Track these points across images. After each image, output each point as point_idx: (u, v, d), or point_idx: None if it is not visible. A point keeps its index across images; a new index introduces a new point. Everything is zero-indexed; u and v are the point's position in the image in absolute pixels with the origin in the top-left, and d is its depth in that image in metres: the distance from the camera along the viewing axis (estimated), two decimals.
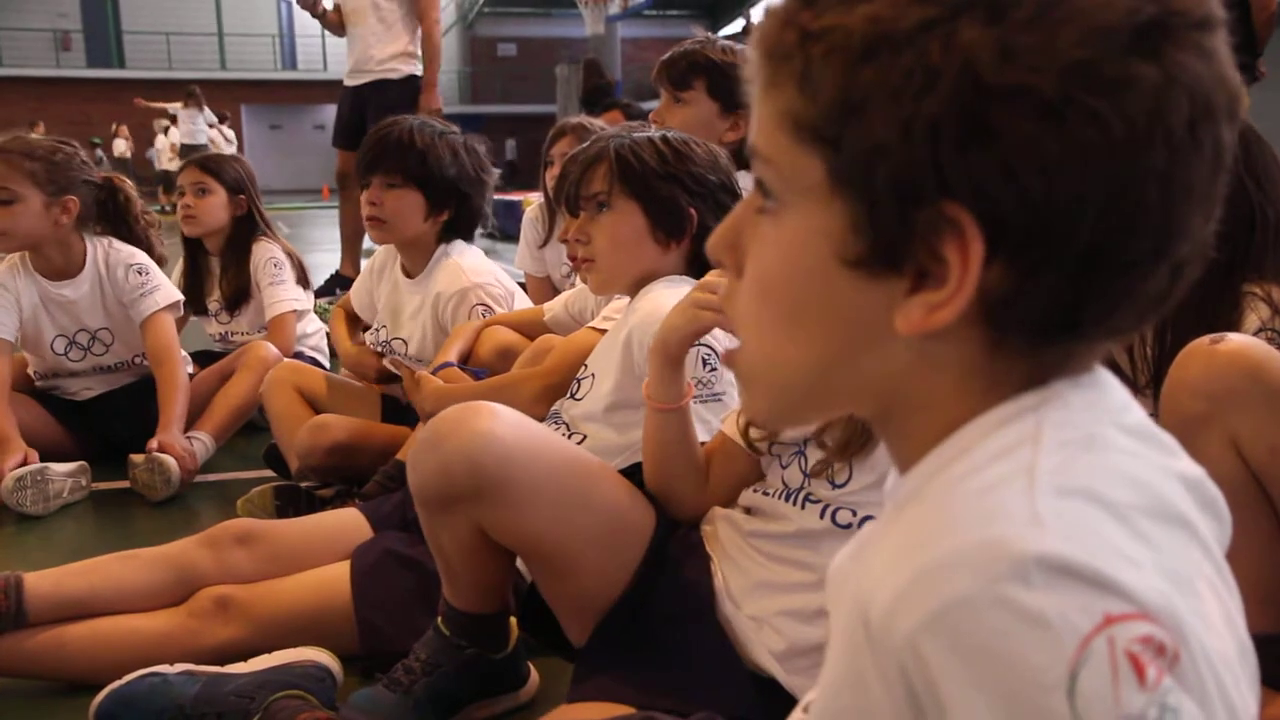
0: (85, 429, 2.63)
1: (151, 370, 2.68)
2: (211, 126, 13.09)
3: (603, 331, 1.79)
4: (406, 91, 4.85)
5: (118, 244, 2.65)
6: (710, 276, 1.30)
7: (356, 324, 2.57)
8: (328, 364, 3.28)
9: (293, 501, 2.06)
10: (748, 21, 24.33)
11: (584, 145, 1.72)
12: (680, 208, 1.62)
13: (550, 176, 3.26)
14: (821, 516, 1.25)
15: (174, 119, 12.88)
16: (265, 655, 1.45)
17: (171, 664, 1.43)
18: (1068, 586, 0.45)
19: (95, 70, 24.20)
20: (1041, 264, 0.50)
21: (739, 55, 2.43)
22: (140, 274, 2.62)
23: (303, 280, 3.15)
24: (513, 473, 1.23)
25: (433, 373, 2.01)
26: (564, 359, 1.81)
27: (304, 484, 2.11)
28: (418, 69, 4.94)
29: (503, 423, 1.24)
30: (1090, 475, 0.50)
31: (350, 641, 1.52)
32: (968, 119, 0.48)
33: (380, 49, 4.87)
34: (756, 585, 1.29)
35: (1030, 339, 0.52)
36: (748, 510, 1.35)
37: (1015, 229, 0.49)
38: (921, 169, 0.49)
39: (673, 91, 2.42)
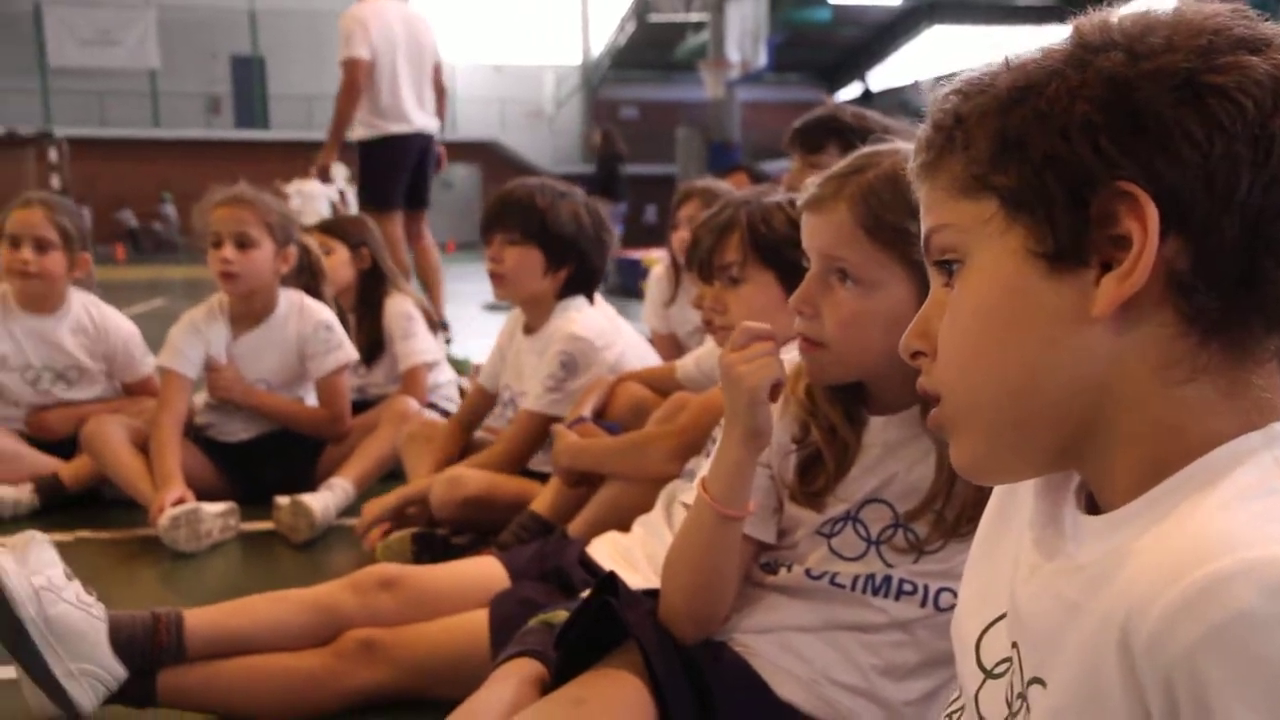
0: (235, 470, 2.75)
1: None
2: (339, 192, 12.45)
3: None
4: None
5: (309, 300, 2.81)
6: (733, 335, 1.20)
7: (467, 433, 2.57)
8: None
9: (429, 547, 2.12)
10: (865, 86, 24.34)
11: (713, 211, 1.74)
12: None
13: (677, 239, 3.32)
14: (923, 605, 1.21)
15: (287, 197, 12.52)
16: None
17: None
18: None
19: (242, 132, 25.55)
20: (1212, 225, 0.55)
21: (869, 120, 2.45)
22: (328, 331, 2.78)
23: (433, 328, 3.29)
24: None
25: (568, 426, 2.07)
26: (698, 417, 1.83)
27: (440, 531, 2.17)
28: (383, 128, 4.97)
29: None
30: None
31: None
32: (1116, 108, 0.56)
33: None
34: (838, 662, 1.23)
35: (1217, 304, 0.56)
36: (782, 588, 1.26)
37: (1182, 197, 0.55)
38: (1088, 160, 0.56)
39: (805, 156, 2.45)
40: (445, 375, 3.44)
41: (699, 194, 3.30)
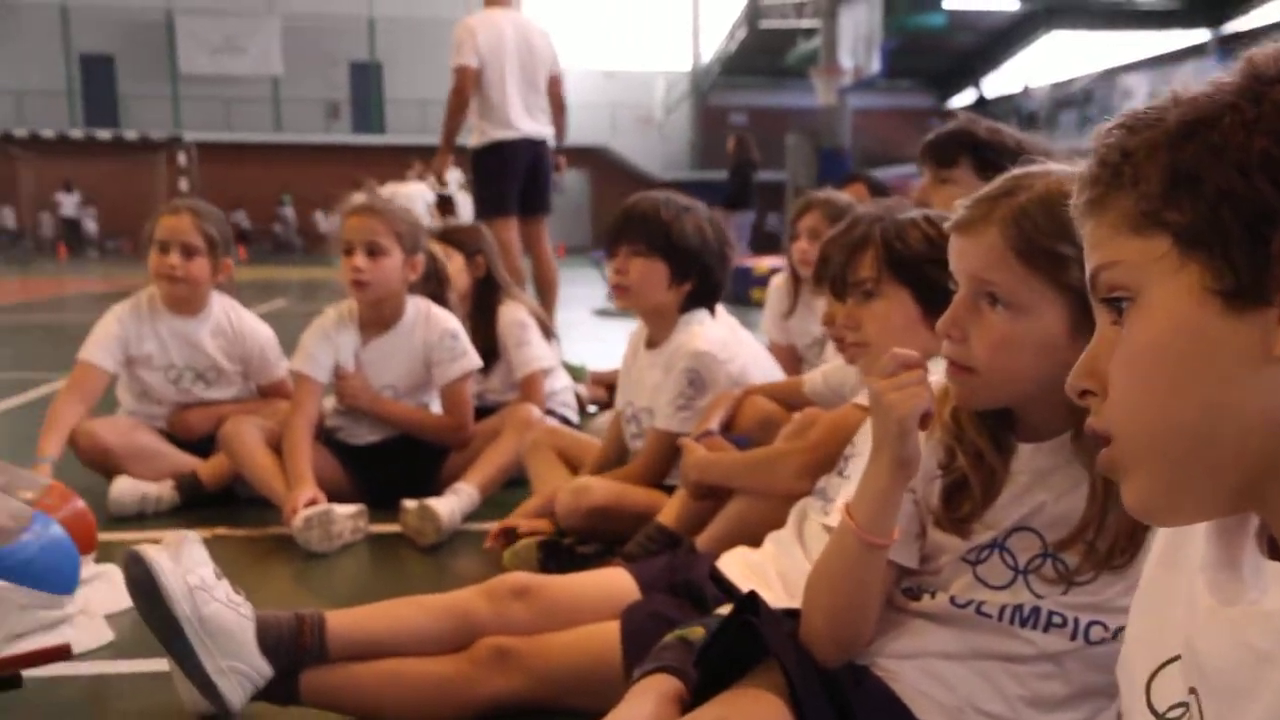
0: (362, 472, 2.82)
1: None
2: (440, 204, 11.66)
3: (868, 409, 1.79)
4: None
5: (435, 308, 2.87)
6: (883, 361, 1.19)
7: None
8: (576, 419, 3.43)
9: (555, 556, 2.15)
10: (979, 92, 23.86)
11: (844, 226, 1.72)
12: (951, 292, 1.60)
13: (797, 249, 3.30)
14: (1073, 638, 1.18)
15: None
16: None
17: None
18: None
19: (359, 136, 26.31)
20: None
21: (1004, 135, 2.40)
22: (454, 339, 2.83)
23: (547, 333, 3.33)
24: None
25: (696, 440, 2.07)
26: (830, 434, 1.81)
27: (566, 540, 2.20)
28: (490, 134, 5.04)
29: None
30: None
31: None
32: None
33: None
34: (984, 691, 1.22)
35: None
36: (924, 613, 1.25)
37: None
38: (1268, 196, 0.55)
39: (937, 171, 2.41)
40: (561, 381, 3.49)
41: (819, 205, 3.28)
